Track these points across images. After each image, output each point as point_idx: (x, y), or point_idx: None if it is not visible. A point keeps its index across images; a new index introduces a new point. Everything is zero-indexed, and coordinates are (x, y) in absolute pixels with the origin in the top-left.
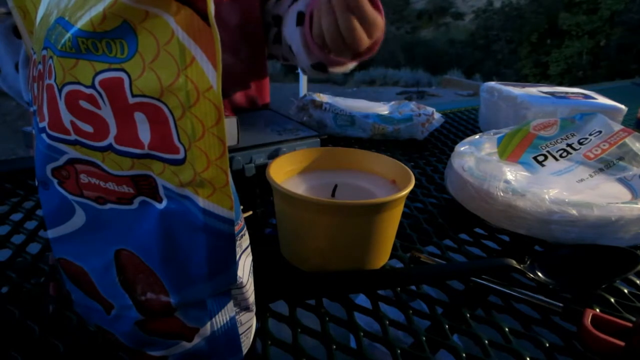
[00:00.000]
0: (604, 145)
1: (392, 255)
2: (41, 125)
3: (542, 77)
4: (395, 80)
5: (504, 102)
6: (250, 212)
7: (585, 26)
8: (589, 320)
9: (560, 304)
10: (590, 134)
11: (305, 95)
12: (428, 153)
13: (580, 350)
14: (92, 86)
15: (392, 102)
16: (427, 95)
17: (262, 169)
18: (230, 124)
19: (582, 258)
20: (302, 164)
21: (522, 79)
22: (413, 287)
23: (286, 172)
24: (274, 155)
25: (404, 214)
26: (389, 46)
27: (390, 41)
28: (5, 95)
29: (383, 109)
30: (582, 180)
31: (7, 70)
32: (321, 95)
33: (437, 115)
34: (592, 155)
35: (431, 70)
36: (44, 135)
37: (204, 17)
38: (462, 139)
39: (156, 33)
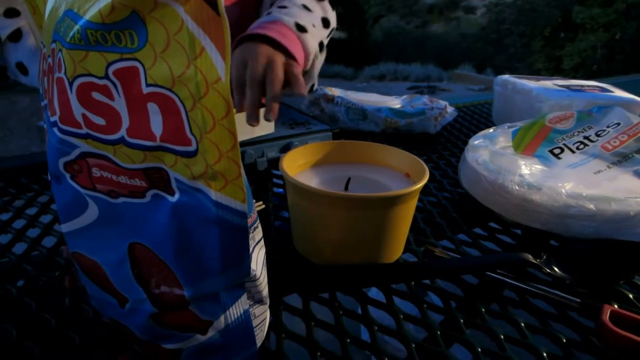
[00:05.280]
0: (622, 137)
1: (406, 249)
2: (52, 119)
3: (555, 72)
4: (406, 75)
5: (518, 96)
6: (262, 205)
7: (600, 19)
8: (608, 316)
9: (578, 300)
10: (608, 126)
11: (317, 89)
12: (441, 147)
13: (599, 346)
14: (106, 77)
15: (404, 96)
16: (437, 90)
17: (274, 162)
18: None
19: (599, 253)
20: (314, 157)
21: (534, 73)
22: (427, 281)
23: (299, 166)
24: (285, 149)
25: (417, 208)
26: (399, 41)
27: (401, 36)
28: (20, 92)
29: (395, 102)
30: (599, 171)
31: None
32: (333, 89)
33: (450, 109)
34: (610, 147)
35: (442, 65)
36: (55, 130)
37: (214, 6)
38: (475, 133)
39: (166, 22)
